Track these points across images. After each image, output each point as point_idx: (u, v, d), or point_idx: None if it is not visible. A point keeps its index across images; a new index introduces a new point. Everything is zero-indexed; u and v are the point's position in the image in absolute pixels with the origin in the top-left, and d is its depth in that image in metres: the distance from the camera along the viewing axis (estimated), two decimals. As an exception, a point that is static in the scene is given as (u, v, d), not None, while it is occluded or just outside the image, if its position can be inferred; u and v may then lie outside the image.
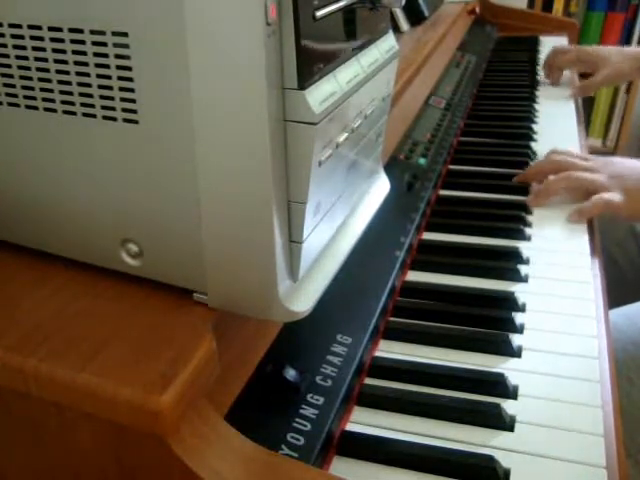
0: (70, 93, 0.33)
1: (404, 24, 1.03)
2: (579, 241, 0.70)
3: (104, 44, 0.30)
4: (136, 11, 0.29)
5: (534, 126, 1.03)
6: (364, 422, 0.46)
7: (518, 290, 0.61)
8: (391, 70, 0.43)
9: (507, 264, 0.65)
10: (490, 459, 0.42)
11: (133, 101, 0.31)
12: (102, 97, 0.32)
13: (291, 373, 0.42)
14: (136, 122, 0.32)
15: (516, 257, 0.66)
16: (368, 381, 0.49)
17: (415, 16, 1.08)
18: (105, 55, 0.30)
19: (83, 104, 0.33)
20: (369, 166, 0.45)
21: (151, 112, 0.31)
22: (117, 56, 0.30)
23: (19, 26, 0.32)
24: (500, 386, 0.48)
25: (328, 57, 0.32)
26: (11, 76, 0.34)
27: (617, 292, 0.75)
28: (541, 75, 1.27)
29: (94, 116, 0.33)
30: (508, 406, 0.47)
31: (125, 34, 0.29)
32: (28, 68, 0.33)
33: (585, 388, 0.49)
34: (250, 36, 0.27)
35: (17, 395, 0.33)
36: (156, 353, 0.32)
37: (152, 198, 0.34)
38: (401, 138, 0.81)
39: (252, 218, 0.31)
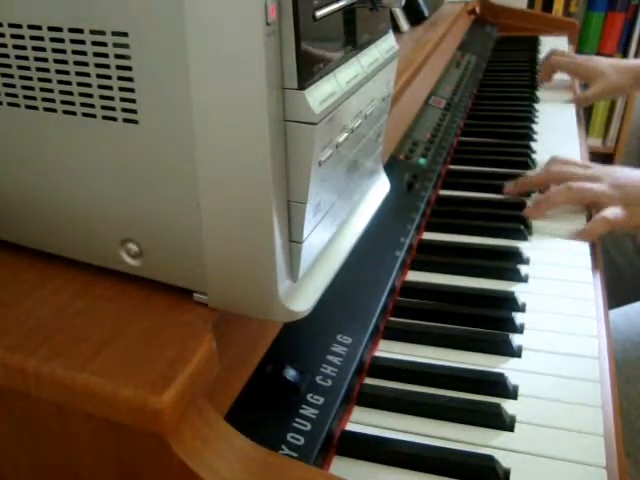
0: (70, 93, 0.33)
1: (404, 24, 1.03)
2: (579, 241, 0.70)
3: (104, 44, 0.30)
4: (136, 11, 0.29)
5: (534, 126, 1.03)
6: (364, 422, 0.46)
7: (518, 290, 0.61)
8: (391, 70, 0.43)
9: (507, 264, 0.65)
10: (490, 459, 0.42)
11: (133, 101, 0.31)
12: (102, 97, 0.32)
13: (291, 373, 0.42)
14: (136, 122, 0.32)
15: (516, 257, 0.66)
16: (368, 381, 0.49)
17: (415, 16, 1.08)
18: (105, 55, 0.30)
19: (83, 104, 0.33)
20: (369, 166, 0.45)
21: (151, 112, 0.31)
22: (117, 56, 0.30)
23: (19, 26, 0.32)
24: (500, 386, 0.48)
25: (328, 57, 0.32)
26: (11, 76, 0.34)
27: (615, 292, 0.75)
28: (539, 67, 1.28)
29: (94, 116, 0.33)
30: (508, 406, 0.47)
31: (125, 34, 0.29)
32: (28, 68, 0.33)
33: (585, 388, 0.49)
34: (250, 36, 0.27)
35: (17, 395, 0.33)
36: (156, 353, 0.32)
37: (152, 198, 0.34)
38: (401, 138, 0.81)
39: (252, 218, 0.31)
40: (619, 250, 0.95)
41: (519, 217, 0.74)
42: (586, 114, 2.25)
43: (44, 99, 0.34)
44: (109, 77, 0.31)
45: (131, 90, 0.31)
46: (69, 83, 0.32)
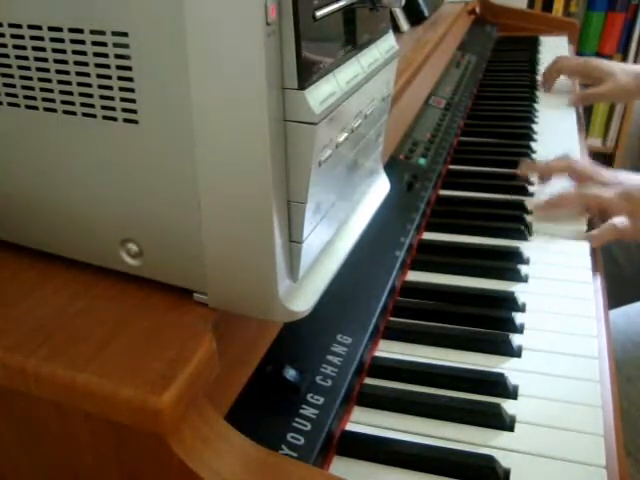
0: (70, 93, 0.33)
1: (404, 24, 1.03)
2: (579, 241, 0.70)
3: (104, 44, 0.30)
4: (136, 11, 0.29)
5: (534, 126, 1.03)
6: (364, 422, 0.46)
7: (518, 290, 0.61)
8: (391, 70, 0.43)
9: (507, 264, 0.65)
10: (490, 459, 0.42)
11: (133, 101, 0.31)
12: (102, 97, 0.32)
13: (291, 373, 0.42)
14: (136, 122, 0.32)
15: (516, 257, 0.66)
16: (368, 381, 0.49)
17: (415, 16, 1.08)
18: (105, 55, 0.30)
19: (83, 104, 0.33)
20: (369, 166, 0.45)
21: (151, 112, 0.31)
22: (117, 56, 0.30)
23: (19, 26, 0.32)
24: (500, 386, 0.48)
25: (328, 57, 0.32)
26: (11, 76, 0.34)
27: (616, 291, 0.75)
28: (541, 76, 1.27)
29: (94, 116, 0.33)
30: (508, 406, 0.47)
31: (125, 34, 0.29)
32: (28, 68, 0.33)
33: (585, 388, 0.49)
34: (250, 36, 0.27)
35: (17, 395, 0.33)
36: (156, 353, 0.32)
37: (152, 198, 0.34)
38: (401, 138, 0.81)
39: (252, 218, 0.31)
40: (621, 247, 0.95)
41: (519, 217, 0.74)
42: (586, 114, 2.25)
43: (44, 99, 0.34)
44: (109, 77, 0.31)
45: (131, 90, 0.31)
46: (69, 83, 0.32)
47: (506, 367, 0.51)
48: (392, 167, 0.72)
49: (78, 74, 0.32)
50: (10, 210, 0.39)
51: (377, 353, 0.52)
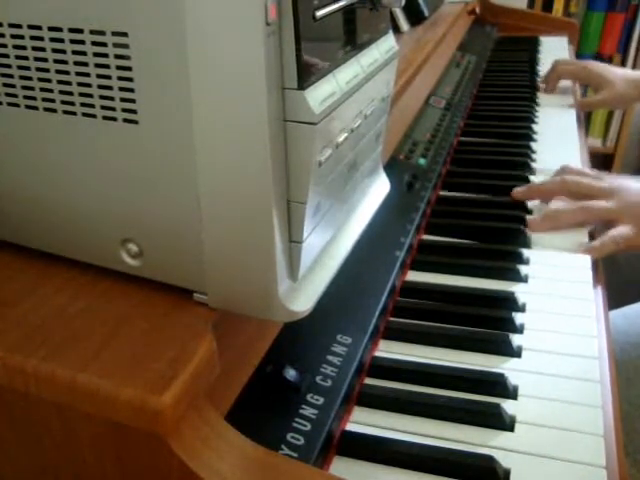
0: (70, 93, 0.33)
1: (404, 24, 1.03)
2: (579, 241, 0.70)
3: (104, 44, 0.30)
4: (136, 11, 0.29)
5: (534, 126, 1.03)
6: (364, 422, 0.46)
7: (518, 290, 0.61)
8: (391, 70, 0.43)
9: (507, 264, 0.65)
10: (490, 459, 0.42)
11: (133, 101, 0.31)
12: (102, 97, 0.32)
13: (291, 373, 0.42)
14: (136, 122, 0.32)
15: (516, 257, 0.66)
16: (368, 381, 0.49)
17: (415, 16, 1.08)
18: (105, 55, 0.30)
19: (83, 104, 0.33)
20: (369, 166, 0.45)
21: (151, 112, 0.31)
22: (117, 56, 0.30)
23: (19, 26, 0.32)
24: (500, 386, 0.48)
25: (328, 57, 0.32)
26: (11, 76, 0.34)
27: (616, 292, 0.75)
28: (541, 76, 1.27)
29: (94, 116, 0.33)
30: (508, 406, 0.47)
31: (125, 34, 0.29)
32: (28, 68, 0.33)
33: (585, 388, 0.49)
34: (250, 36, 0.27)
35: (17, 395, 0.33)
36: (156, 353, 0.32)
37: (152, 198, 0.34)
38: (401, 138, 0.81)
39: (252, 218, 0.31)
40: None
41: (519, 217, 0.74)
42: (586, 114, 2.25)
43: (44, 99, 0.34)
44: (109, 77, 0.31)
45: (131, 90, 0.31)
46: (69, 83, 0.32)
47: (506, 367, 0.51)
48: (392, 167, 0.72)
49: (78, 74, 0.32)
50: (10, 210, 0.39)
51: (377, 353, 0.52)
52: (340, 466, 0.42)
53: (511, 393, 0.48)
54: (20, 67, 0.33)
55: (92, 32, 0.30)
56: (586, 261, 0.66)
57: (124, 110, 0.32)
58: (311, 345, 0.47)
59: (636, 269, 0.94)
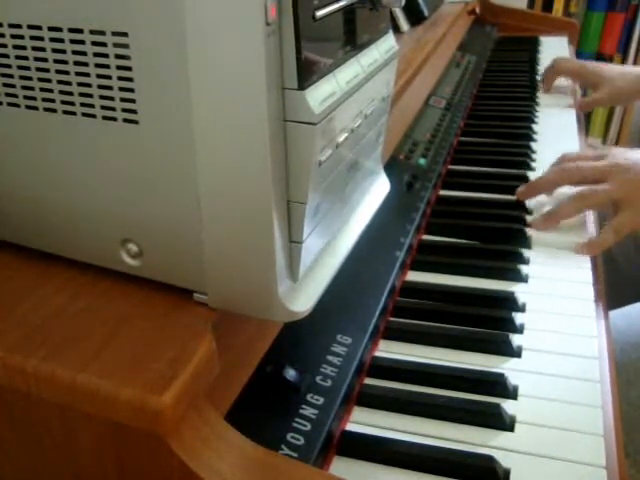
0: (70, 93, 0.33)
1: (404, 24, 1.03)
2: (579, 241, 0.70)
3: (104, 44, 0.30)
4: (136, 11, 0.29)
5: (534, 126, 1.03)
6: (364, 422, 0.46)
7: (518, 290, 0.61)
8: (391, 70, 0.43)
9: (507, 264, 0.65)
10: (490, 459, 0.42)
11: (133, 101, 0.31)
12: (102, 97, 0.32)
13: (291, 373, 0.42)
14: (136, 122, 0.32)
15: (516, 257, 0.66)
16: (368, 381, 0.49)
17: (415, 16, 1.08)
18: (105, 55, 0.30)
19: (83, 104, 0.33)
20: (369, 166, 0.45)
21: (151, 112, 0.31)
22: (117, 56, 0.30)
23: (19, 26, 0.32)
24: (500, 386, 0.48)
25: (328, 57, 0.32)
26: (11, 76, 0.34)
27: (616, 292, 0.75)
28: (541, 74, 1.27)
29: (94, 116, 0.33)
30: (508, 406, 0.47)
31: (125, 34, 0.29)
32: (28, 68, 0.33)
33: (585, 388, 0.49)
34: (250, 36, 0.27)
35: (17, 395, 0.33)
36: (156, 353, 0.32)
37: (152, 198, 0.34)
38: (401, 138, 0.81)
39: (252, 218, 0.31)
40: (620, 248, 0.95)
41: (519, 217, 0.74)
42: (586, 113, 2.25)
43: (44, 99, 0.34)
44: (109, 77, 0.31)
45: (131, 90, 0.31)
46: (69, 83, 0.32)
47: (506, 367, 0.51)
48: (392, 167, 0.72)
49: (78, 74, 0.32)
50: (10, 210, 0.39)
51: (377, 353, 0.52)
52: (340, 466, 0.42)
53: (511, 393, 0.48)
54: (20, 67, 0.33)
55: (92, 32, 0.30)
56: (586, 261, 0.66)
57: (124, 110, 0.32)
58: (311, 345, 0.47)
59: (636, 269, 0.94)
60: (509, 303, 0.59)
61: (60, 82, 0.33)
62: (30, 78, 0.33)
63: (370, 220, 0.45)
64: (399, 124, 0.80)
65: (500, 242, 0.70)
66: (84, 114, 0.33)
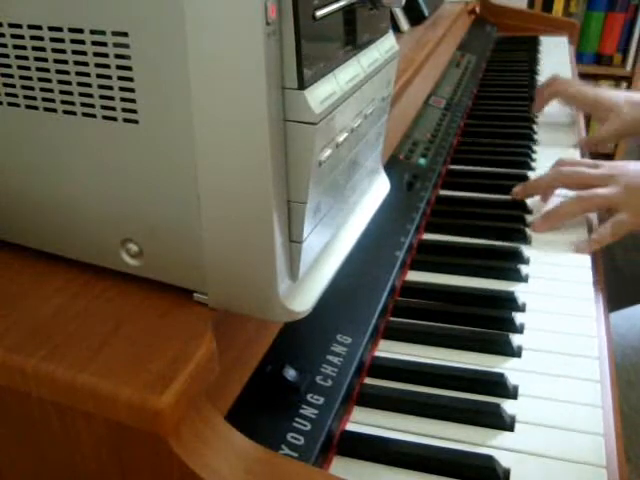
0: (70, 93, 0.33)
1: (404, 24, 1.03)
2: (579, 240, 0.69)
3: (104, 44, 0.30)
4: (136, 11, 0.29)
5: (534, 126, 1.03)
6: (364, 422, 0.46)
7: (518, 290, 0.61)
8: (391, 70, 0.43)
9: (507, 264, 0.65)
10: (490, 459, 0.42)
11: (133, 101, 0.31)
12: (102, 97, 0.32)
13: (291, 373, 0.42)
14: (136, 122, 0.32)
15: (516, 257, 0.66)
16: (368, 381, 0.49)
17: (415, 16, 1.08)
18: (105, 55, 0.30)
19: (83, 104, 0.33)
20: (369, 166, 0.45)
21: (151, 112, 0.31)
22: (117, 56, 0.30)
23: (19, 26, 0.32)
24: (500, 386, 0.48)
25: (328, 57, 0.32)
26: (11, 76, 0.34)
27: (616, 292, 0.75)
28: (541, 76, 1.27)
29: (94, 116, 0.33)
30: (508, 406, 0.47)
31: (125, 34, 0.29)
32: (28, 68, 0.33)
33: (585, 388, 0.49)
34: (250, 36, 0.27)
35: (17, 395, 0.33)
36: (156, 353, 0.32)
37: (152, 198, 0.34)
38: (401, 138, 0.81)
39: (252, 218, 0.31)
40: (620, 247, 0.95)
41: (519, 217, 0.74)
42: (586, 114, 2.25)
43: (44, 99, 0.34)
44: (109, 77, 0.31)
45: (131, 90, 0.31)
46: (69, 83, 0.32)
47: (506, 367, 0.51)
48: (392, 167, 0.72)
49: (78, 74, 0.32)
50: (10, 210, 0.39)
51: (377, 353, 0.52)
52: (340, 466, 0.42)
53: (511, 393, 0.48)
54: (20, 67, 0.33)
55: (92, 32, 0.30)
56: (586, 261, 0.66)
57: (124, 110, 0.32)
58: (311, 345, 0.47)
59: (635, 270, 0.94)
60: (509, 303, 0.59)
61: (60, 82, 0.33)
62: (30, 78, 0.33)
63: (370, 220, 0.45)
64: (399, 124, 0.80)
65: (500, 242, 0.70)
66: (84, 114, 0.33)
